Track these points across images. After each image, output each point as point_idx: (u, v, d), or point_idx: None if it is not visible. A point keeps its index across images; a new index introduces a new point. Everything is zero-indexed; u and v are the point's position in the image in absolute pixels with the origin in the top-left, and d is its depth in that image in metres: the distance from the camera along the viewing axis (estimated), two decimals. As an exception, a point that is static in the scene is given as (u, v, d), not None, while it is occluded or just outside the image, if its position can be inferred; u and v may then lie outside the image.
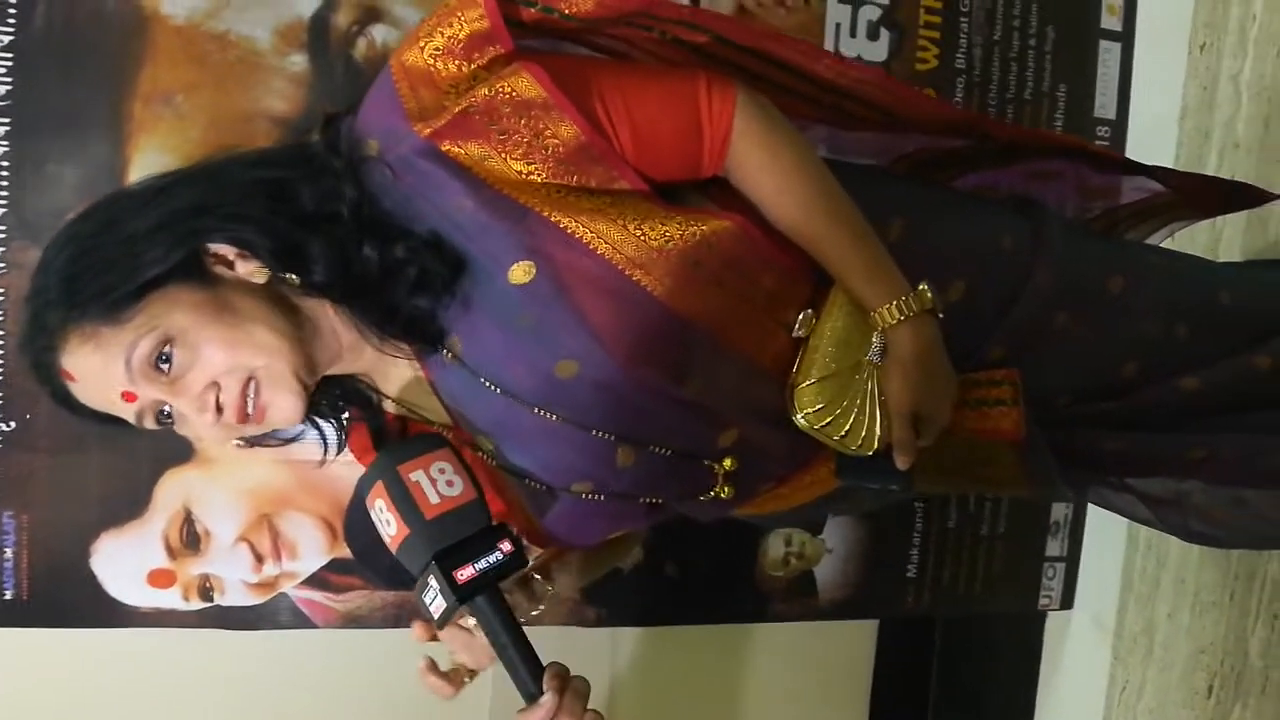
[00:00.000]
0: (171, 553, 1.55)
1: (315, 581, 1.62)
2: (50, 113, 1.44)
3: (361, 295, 0.85)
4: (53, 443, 1.49)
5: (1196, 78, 1.84)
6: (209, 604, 1.58)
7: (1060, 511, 1.98)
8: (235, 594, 1.59)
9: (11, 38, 1.43)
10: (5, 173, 1.44)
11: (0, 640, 1.51)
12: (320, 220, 0.83)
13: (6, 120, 1.43)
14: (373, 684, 1.65)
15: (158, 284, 0.81)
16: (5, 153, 1.44)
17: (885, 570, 1.90)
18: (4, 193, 1.44)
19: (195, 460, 1.54)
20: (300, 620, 1.62)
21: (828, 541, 1.86)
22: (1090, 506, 1.99)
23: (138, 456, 1.52)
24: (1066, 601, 2.00)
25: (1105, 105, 1.90)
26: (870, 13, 1.77)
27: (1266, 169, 1.69)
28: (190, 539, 1.55)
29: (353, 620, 1.65)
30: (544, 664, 0.82)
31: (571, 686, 0.81)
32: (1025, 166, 1.20)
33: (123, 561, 1.53)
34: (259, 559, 1.58)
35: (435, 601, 0.81)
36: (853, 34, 1.75)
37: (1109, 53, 1.91)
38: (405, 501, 0.81)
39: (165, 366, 0.81)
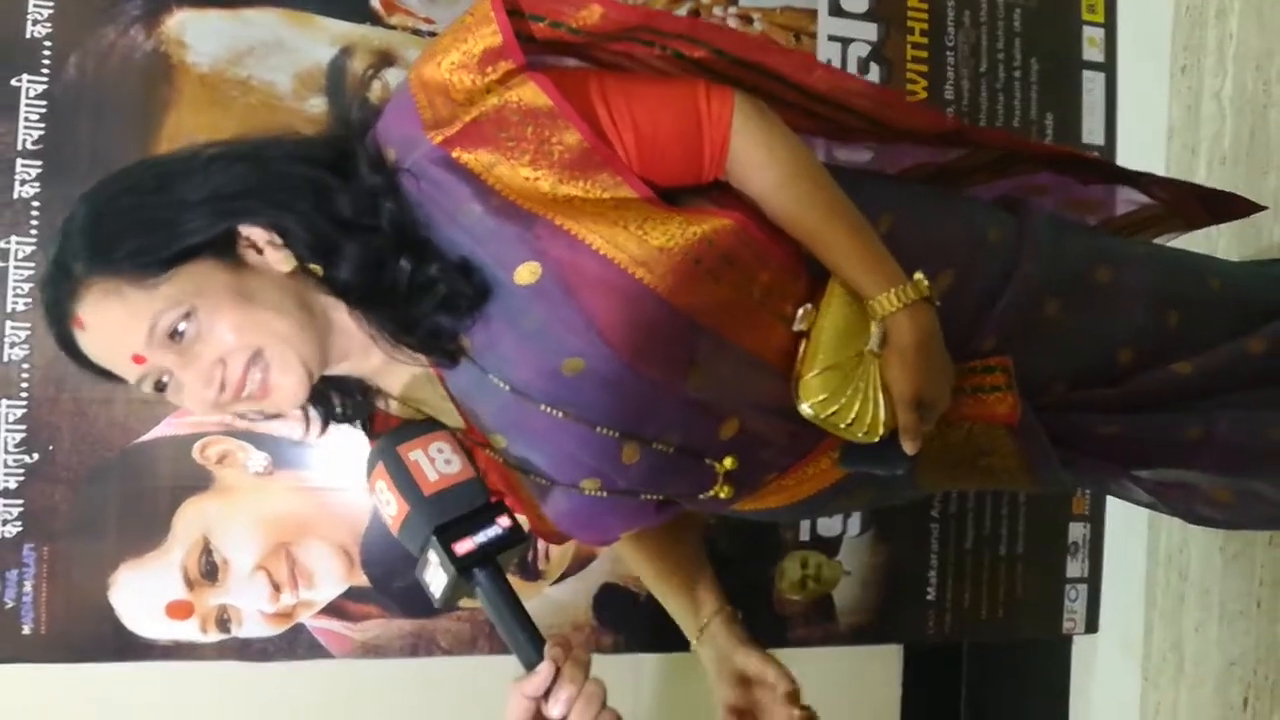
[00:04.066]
0: (190, 583, 1.56)
1: (333, 611, 1.62)
2: (80, 157, 1.51)
3: (383, 303, 0.87)
4: (73, 474, 1.52)
5: (1180, 98, 1.90)
6: (227, 635, 1.58)
7: (1079, 531, 1.96)
8: (253, 625, 1.59)
9: (45, 86, 1.51)
10: (36, 215, 1.51)
11: (19, 675, 1.52)
12: (358, 227, 0.86)
13: (39, 164, 1.51)
14: (393, 714, 1.64)
15: (190, 255, 0.83)
16: (36, 194, 1.51)
17: (903, 593, 1.88)
18: (35, 233, 1.51)
19: (214, 489, 1.57)
20: (318, 651, 1.62)
21: (845, 564, 1.85)
22: (1108, 527, 1.98)
23: (157, 485, 1.55)
24: (1091, 624, 1.97)
25: (1093, 131, 1.96)
26: (859, 49, 1.85)
27: (1254, 179, 1.73)
28: (208, 569, 1.56)
29: (371, 650, 1.64)
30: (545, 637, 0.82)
31: (573, 657, 0.81)
32: (1012, 181, 1.23)
33: (141, 593, 1.55)
34: (276, 588, 1.59)
35: (436, 577, 0.81)
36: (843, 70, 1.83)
37: (1093, 82, 1.98)
38: (404, 480, 0.82)
39: (179, 337, 0.83)
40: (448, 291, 0.86)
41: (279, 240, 0.85)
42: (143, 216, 0.83)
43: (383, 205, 0.86)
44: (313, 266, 0.86)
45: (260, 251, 0.86)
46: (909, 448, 0.96)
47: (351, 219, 0.86)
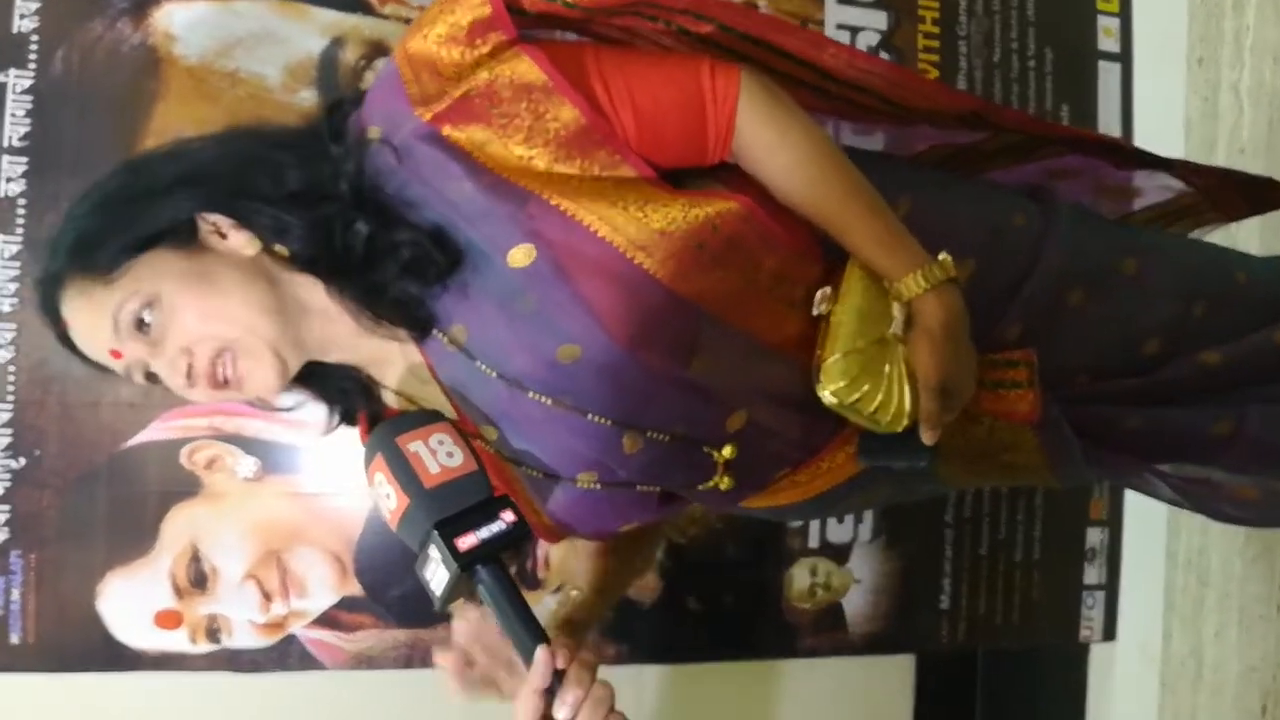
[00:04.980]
0: (179, 592, 1.52)
1: (325, 621, 1.58)
2: (66, 151, 1.48)
3: (346, 271, 0.85)
4: (61, 479, 1.48)
5: (1197, 90, 1.86)
6: (217, 646, 1.54)
7: (1096, 537, 1.92)
8: (243, 635, 1.55)
9: (31, 81, 1.47)
10: (22, 212, 1.47)
11: (6, 685, 1.48)
12: (313, 198, 0.85)
13: (25, 159, 1.47)
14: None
15: (147, 245, 0.83)
16: (23, 191, 1.47)
17: (916, 601, 1.83)
18: (20, 231, 1.47)
19: (203, 495, 1.53)
20: (309, 662, 1.58)
21: (855, 572, 1.80)
22: (1126, 532, 1.93)
23: (146, 491, 1.51)
24: (1109, 632, 1.92)
25: (1109, 123, 1.92)
26: (868, 38, 1.81)
27: (1273, 171, 1.67)
28: (197, 577, 1.52)
29: (363, 661, 1.60)
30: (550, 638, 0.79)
31: (579, 659, 0.78)
32: (1041, 164, 1.18)
33: (129, 602, 1.50)
34: (267, 598, 1.54)
35: (437, 574, 0.77)
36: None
37: (1109, 73, 1.94)
38: (405, 472, 0.78)
39: (145, 328, 0.83)
40: (411, 256, 0.84)
41: (239, 223, 0.85)
42: (102, 214, 0.85)
43: (342, 172, 0.84)
44: (277, 248, 0.85)
45: (224, 236, 0.85)
46: (928, 437, 0.91)
47: (307, 191, 0.84)
